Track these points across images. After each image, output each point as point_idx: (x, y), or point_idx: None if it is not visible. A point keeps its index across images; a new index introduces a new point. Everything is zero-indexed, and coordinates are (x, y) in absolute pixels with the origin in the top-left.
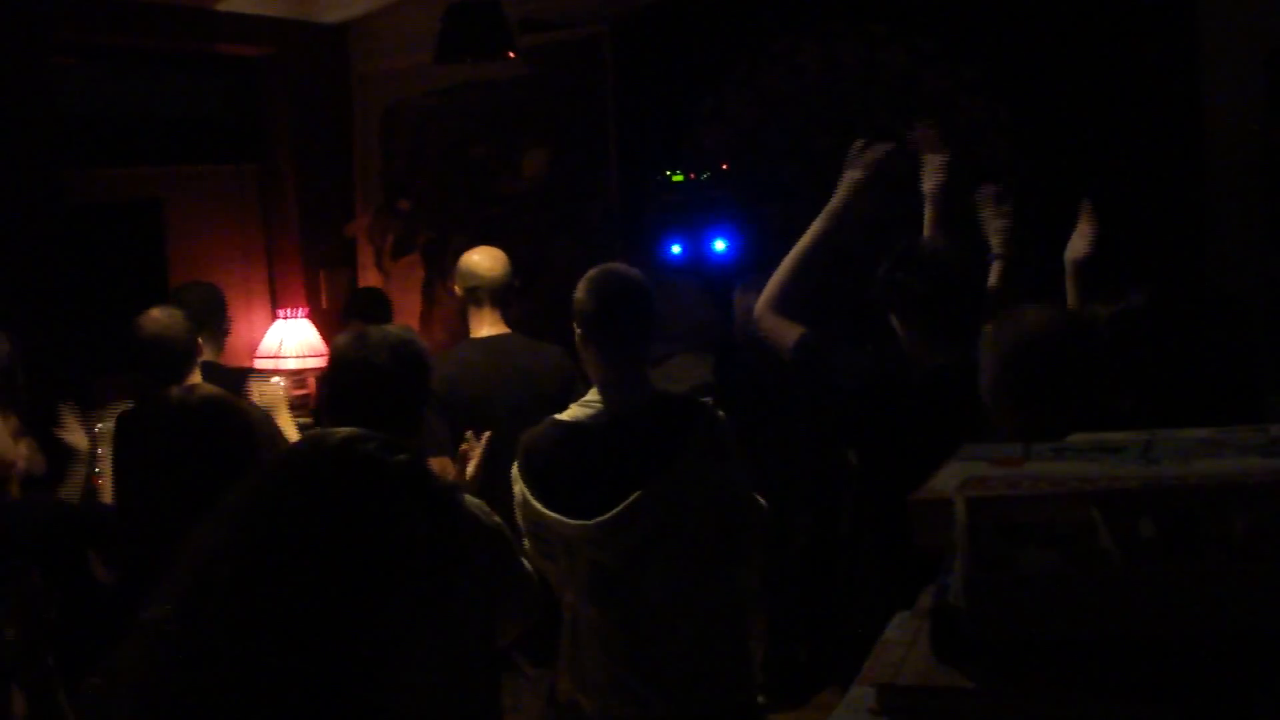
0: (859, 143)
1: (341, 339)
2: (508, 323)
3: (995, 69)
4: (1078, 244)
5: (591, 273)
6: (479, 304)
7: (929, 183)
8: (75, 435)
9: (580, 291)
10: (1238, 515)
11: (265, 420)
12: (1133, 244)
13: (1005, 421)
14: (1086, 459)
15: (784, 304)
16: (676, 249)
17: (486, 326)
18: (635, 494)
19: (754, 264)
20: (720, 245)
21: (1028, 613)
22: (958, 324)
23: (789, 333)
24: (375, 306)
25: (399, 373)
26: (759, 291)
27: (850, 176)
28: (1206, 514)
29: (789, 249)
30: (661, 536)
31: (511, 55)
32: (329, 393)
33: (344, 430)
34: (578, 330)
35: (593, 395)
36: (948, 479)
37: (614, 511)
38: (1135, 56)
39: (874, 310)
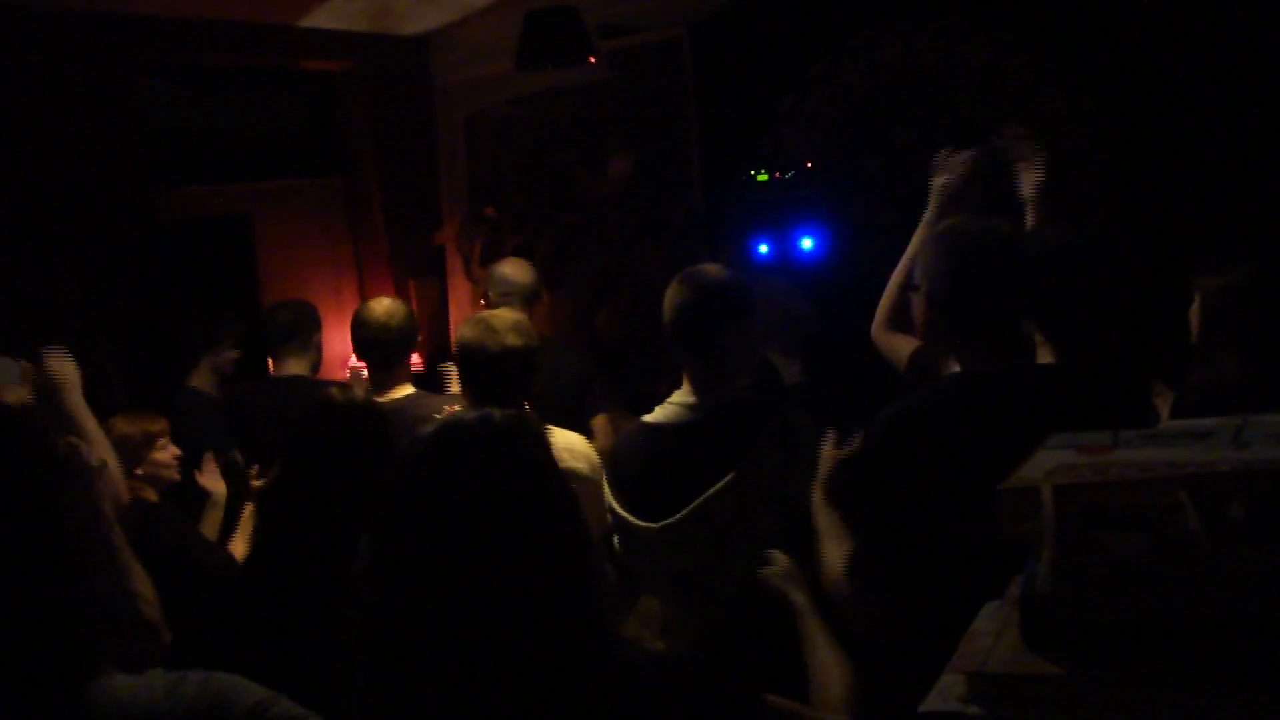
0: (943, 151)
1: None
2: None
3: (1076, 58)
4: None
5: (685, 271)
6: (511, 308)
7: (1027, 186)
8: (215, 483)
9: (674, 291)
10: None
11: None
12: (1233, 219)
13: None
14: (1176, 445)
15: (897, 320)
16: (764, 248)
17: None
18: (701, 497)
19: (839, 260)
20: (807, 243)
21: (1115, 597)
22: (1076, 315)
23: (904, 348)
24: None
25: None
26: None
27: (939, 184)
28: None
29: (874, 244)
30: (730, 538)
31: (591, 60)
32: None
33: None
34: (671, 330)
35: (678, 395)
36: (1035, 467)
37: (679, 515)
38: (1218, 35)
39: None
